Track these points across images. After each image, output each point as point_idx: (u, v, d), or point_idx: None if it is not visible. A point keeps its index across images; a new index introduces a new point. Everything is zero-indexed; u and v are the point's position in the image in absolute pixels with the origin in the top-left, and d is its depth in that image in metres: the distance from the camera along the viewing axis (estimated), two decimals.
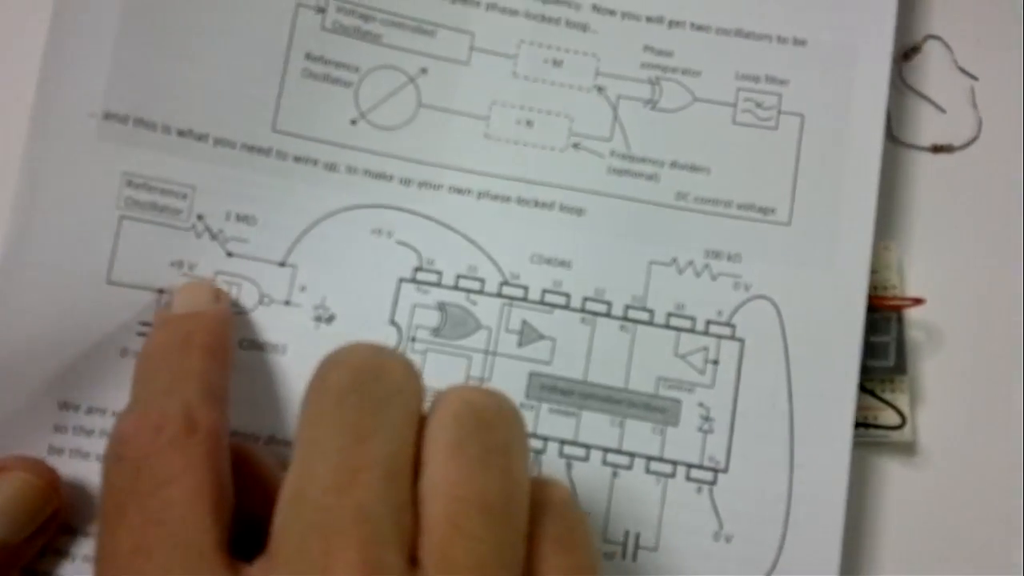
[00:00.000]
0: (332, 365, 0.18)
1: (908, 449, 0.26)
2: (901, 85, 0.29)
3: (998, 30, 0.28)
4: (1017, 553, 0.26)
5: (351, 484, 0.16)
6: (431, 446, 0.17)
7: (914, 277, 0.27)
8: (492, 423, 0.18)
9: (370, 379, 0.17)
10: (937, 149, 0.28)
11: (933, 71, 0.29)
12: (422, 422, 0.18)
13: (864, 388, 0.26)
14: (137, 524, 0.17)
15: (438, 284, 0.25)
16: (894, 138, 0.28)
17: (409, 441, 0.17)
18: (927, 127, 0.28)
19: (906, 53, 0.29)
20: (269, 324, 0.24)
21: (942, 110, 0.28)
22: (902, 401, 0.26)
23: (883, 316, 0.26)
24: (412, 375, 0.18)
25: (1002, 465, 0.26)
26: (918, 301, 0.26)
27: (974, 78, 0.28)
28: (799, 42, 0.27)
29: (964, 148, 0.28)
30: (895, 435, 0.26)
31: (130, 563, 0.16)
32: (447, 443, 0.17)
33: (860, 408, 0.26)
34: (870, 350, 0.26)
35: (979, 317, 0.27)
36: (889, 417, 0.26)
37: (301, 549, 0.15)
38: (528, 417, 0.24)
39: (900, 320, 0.26)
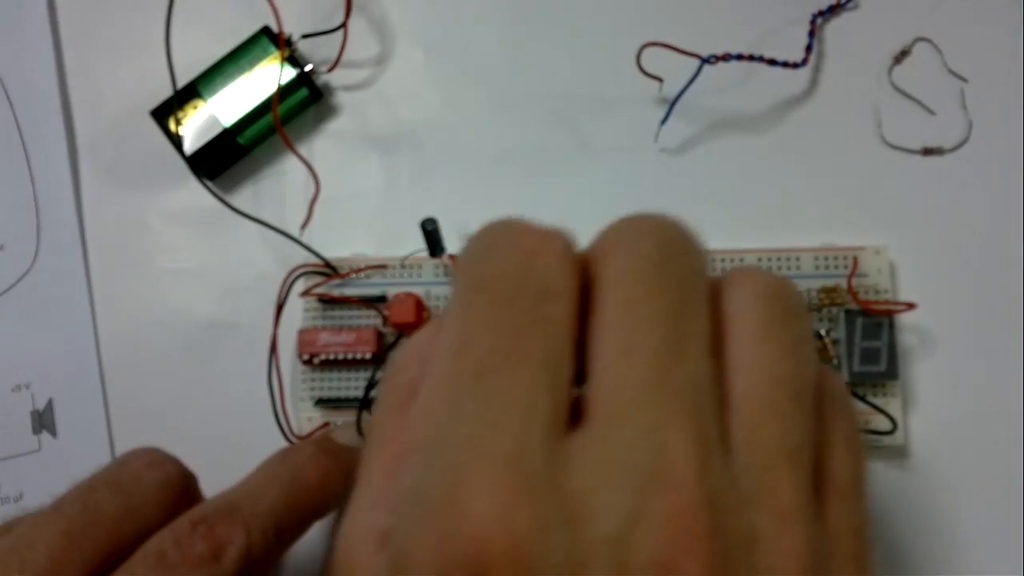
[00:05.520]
0: (641, 232, 0.17)
1: (900, 453, 0.26)
2: (891, 88, 0.29)
3: (988, 32, 0.28)
4: (1012, 556, 0.26)
5: (682, 353, 0.15)
6: (736, 326, 0.16)
7: (906, 281, 0.27)
8: (798, 311, 0.17)
9: (683, 252, 0.17)
10: (927, 152, 0.28)
11: (923, 73, 0.28)
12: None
13: (856, 393, 0.26)
14: None
15: None
16: (885, 141, 0.28)
17: (712, 317, 0.16)
18: (917, 130, 0.28)
19: (896, 56, 0.29)
20: None
21: (932, 112, 0.28)
22: (894, 406, 0.26)
23: (875, 321, 0.26)
24: (707, 254, 0.17)
25: (995, 469, 0.26)
26: (910, 306, 0.26)
27: (964, 80, 0.28)
28: None
29: (955, 150, 0.28)
30: (887, 440, 0.26)
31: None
32: (758, 325, 0.16)
33: None
34: (862, 355, 0.26)
35: (971, 321, 0.27)
36: (881, 422, 0.26)
37: (635, 408, 0.14)
38: None
39: (892, 325, 0.26)
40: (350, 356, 0.28)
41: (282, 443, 0.27)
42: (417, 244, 0.27)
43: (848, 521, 0.16)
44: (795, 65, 0.28)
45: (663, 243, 0.17)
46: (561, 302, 0.16)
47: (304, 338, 0.28)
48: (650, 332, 0.15)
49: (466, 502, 0.13)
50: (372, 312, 0.28)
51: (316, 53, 0.30)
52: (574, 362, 0.15)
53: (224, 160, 0.30)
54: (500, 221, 0.17)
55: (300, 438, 0.28)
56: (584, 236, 0.28)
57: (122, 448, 0.29)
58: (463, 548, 0.13)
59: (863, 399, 0.26)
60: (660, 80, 0.28)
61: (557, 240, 0.16)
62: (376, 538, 0.16)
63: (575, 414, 0.15)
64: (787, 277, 0.17)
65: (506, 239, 0.17)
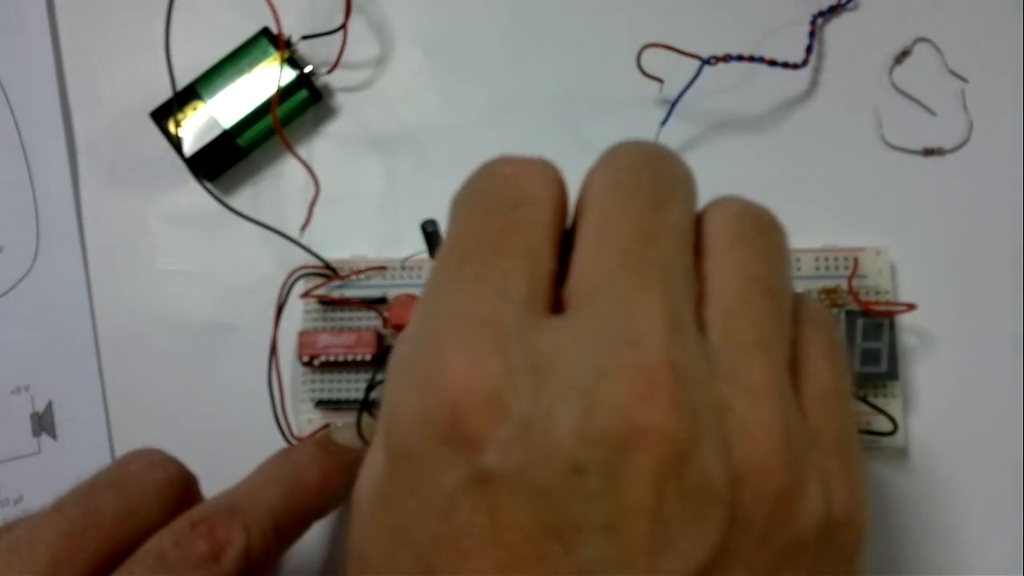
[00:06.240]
0: (621, 147, 0.18)
1: (900, 454, 0.26)
2: (892, 88, 0.28)
3: (988, 32, 0.28)
4: (1012, 557, 0.26)
5: (655, 241, 0.16)
6: (713, 236, 0.17)
7: (906, 282, 0.27)
8: (770, 227, 0.18)
9: (659, 160, 0.18)
10: (928, 152, 0.28)
11: (924, 74, 0.28)
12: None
13: (857, 394, 0.26)
14: None
15: None
16: (885, 142, 0.28)
17: (692, 224, 0.17)
18: (918, 130, 0.28)
19: (897, 56, 0.29)
20: None
21: (933, 113, 0.28)
22: (895, 407, 0.26)
23: (875, 322, 0.26)
24: (691, 171, 0.18)
25: (995, 470, 0.26)
26: (911, 307, 0.26)
27: (964, 80, 0.28)
28: None
29: (955, 151, 0.28)
30: (887, 441, 0.26)
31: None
32: (730, 235, 0.17)
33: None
34: (862, 356, 0.26)
35: (972, 322, 0.27)
36: (881, 423, 0.26)
37: (606, 286, 0.16)
38: None
39: (892, 326, 0.26)
40: (350, 358, 0.28)
41: (282, 445, 0.27)
42: (417, 245, 0.27)
43: (830, 420, 0.17)
44: (795, 66, 0.28)
45: (642, 154, 0.18)
46: (539, 208, 0.17)
47: (304, 340, 0.28)
48: (624, 224, 0.16)
49: (443, 359, 0.15)
50: (372, 314, 0.28)
51: (316, 54, 0.30)
52: (555, 259, 0.17)
53: (224, 161, 0.30)
54: (485, 160, 0.18)
55: (300, 440, 0.28)
56: None
57: (122, 450, 0.29)
58: (441, 397, 0.14)
59: (864, 400, 0.26)
60: (660, 81, 0.28)
61: (534, 164, 0.18)
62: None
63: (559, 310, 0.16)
64: (765, 206, 0.19)
65: (487, 170, 0.18)
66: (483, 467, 0.14)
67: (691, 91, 0.28)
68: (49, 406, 0.30)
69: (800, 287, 0.27)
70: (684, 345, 0.15)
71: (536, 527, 0.14)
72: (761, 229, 0.18)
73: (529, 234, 0.16)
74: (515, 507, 0.14)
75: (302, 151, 0.30)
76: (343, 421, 0.28)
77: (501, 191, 0.17)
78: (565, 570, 0.14)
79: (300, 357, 0.28)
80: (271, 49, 0.30)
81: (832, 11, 0.29)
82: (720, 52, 0.27)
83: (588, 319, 0.15)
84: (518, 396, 0.14)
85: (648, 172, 0.17)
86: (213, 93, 0.29)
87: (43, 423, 0.30)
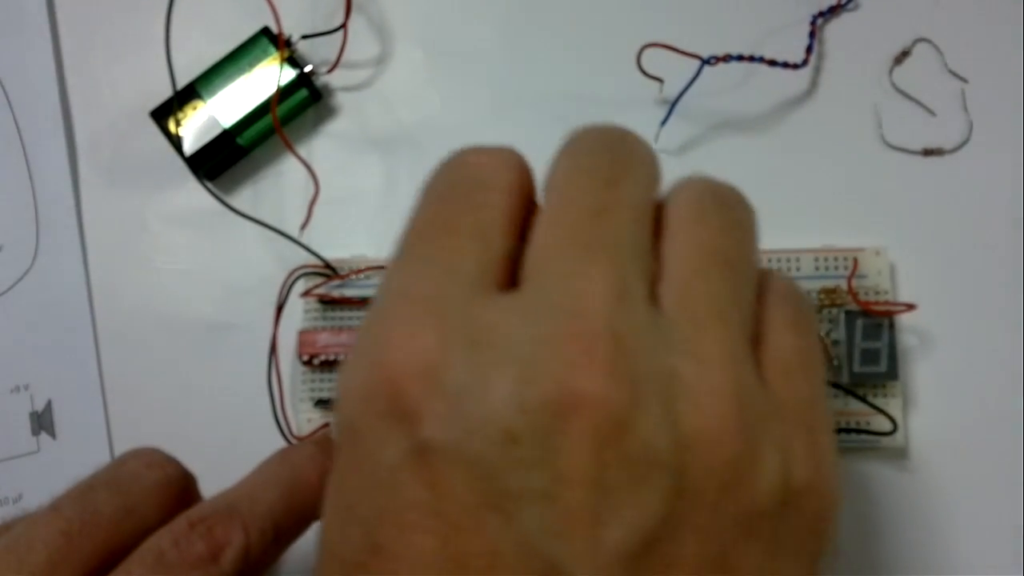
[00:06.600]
0: (582, 132, 0.18)
1: (900, 454, 0.26)
2: (891, 89, 0.28)
3: (988, 32, 0.28)
4: (1012, 557, 0.26)
5: (605, 217, 0.16)
6: (673, 215, 0.17)
7: (905, 282, 0.27)
8: (734, 204, 0.18)
9: (618, 142, 0.18)
10: (928, 152, 0.28)
11: (923, 74, 0.28)
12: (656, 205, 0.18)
13: (856, 394, 0.26)
14: None
15: None
16: (885, 142, 0.28)
17: (651, 201, 0.17)
18: (918, 130, 0.28)
19: (897, 56, 0.29)
20: None
21: (932, 113, 0.28)
22: (894, 406, 0.26)
23: (875, 322, 0.26)
24: (653, 153, 0.18)
25: (995, 470, 0.26)
26: (910, 306, 0.26)
27: (964, 81, 0.28)
28: None
29: (955, 151, 0.28)
30: (887, 441, 0.26)
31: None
32: (691, 212, 0.17)
33: (852, 413, 0.26)
34: (862, 356, 0.26)
35: (971, 321, 0.27)
36: (881, 423, 0.26)
37: (554, 261, 0.16)
38: None
39: (892, 326, 0.26)
40: None
41: (282, 444, 0.27)
42: None
43: (794, 391, 0.17)
44: (795, 66, 0.28)
45: (601, 137, 0.18)
46: (497, 193, 0.17)
47: (304, 339, 0.28)
48: (576, 201, 0.16)
49: (385, 335, 0.15)
50: None
51: (316, 54, 0.30)
52: (513, 241, 0.17)
53: (224, 161, 0.30)
54: (453, 150, 0.18)
55: (300, 439, 0.28)
56: None
57: (121, 449, 0.29)
58: (380, 372, 0.15)
59: (863, 400, 0.26)
60: (660, 81, 0.28)
61: (498, 152, 0.18)
62: None
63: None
64: (732, 184, 0.19)
65: (453, 159, 0.18)
66: (421, 439, 0.14)
67: (691, 91, 0.28)
68: (48, 405, 0.30)
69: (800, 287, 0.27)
70: (629, 315, 0.15)
71: (475, 498, 0.14)
72: (724, 205, 0.18)
73: (483, 216, 0.17)
74: (454, 478, 0.14)
75: (302, 150, 0.30)
76: None
77: (461, 177, 0.17)
78: (506, 540, 0.14)
79: (300, 356, 0.28)
80: (271, 48, 0.30)
81: (832, 11, 0.29)
82: (720, 52, 0.27)
83: (533, 293, 0.15)
84: (454, 368, 0.14)
85: (606, 154, 0.17)
86: (213, 92, 0.29)
87: (42, 422, 0.30)
